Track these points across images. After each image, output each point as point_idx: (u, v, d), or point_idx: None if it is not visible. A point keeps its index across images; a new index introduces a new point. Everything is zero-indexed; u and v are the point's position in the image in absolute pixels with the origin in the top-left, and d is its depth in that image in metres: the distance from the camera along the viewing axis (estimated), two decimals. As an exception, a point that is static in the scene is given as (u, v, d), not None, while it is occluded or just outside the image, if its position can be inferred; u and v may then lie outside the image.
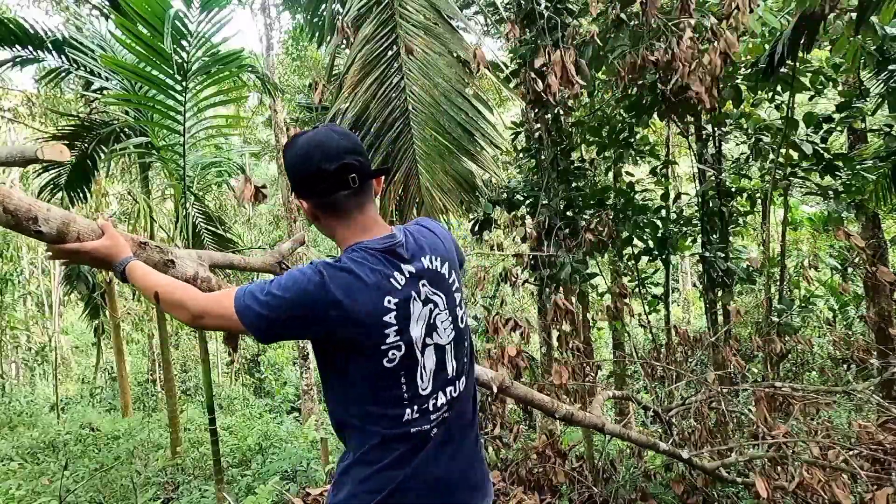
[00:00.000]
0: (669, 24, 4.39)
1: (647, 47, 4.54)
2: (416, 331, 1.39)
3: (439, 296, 1.45)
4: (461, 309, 1.51)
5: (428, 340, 1.41)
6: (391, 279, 1.37)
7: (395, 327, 1.36)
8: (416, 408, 1.40)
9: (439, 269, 1.46)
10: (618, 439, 5.02)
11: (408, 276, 1.40)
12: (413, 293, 1.39)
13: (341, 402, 1.44)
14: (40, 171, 6.83)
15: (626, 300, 4.36)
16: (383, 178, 1.57)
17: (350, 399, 1.42)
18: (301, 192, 1.45)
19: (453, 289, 1.49)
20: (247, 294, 1.37)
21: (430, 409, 1.42)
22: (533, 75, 4.77)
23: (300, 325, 1.35)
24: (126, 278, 1.55)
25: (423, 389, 1.41)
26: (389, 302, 1.36)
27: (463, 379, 1.51)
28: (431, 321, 1.42)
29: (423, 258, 1.44)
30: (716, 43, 4.12)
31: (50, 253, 1.54)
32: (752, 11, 3.94)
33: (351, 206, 1.43)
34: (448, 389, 1.46)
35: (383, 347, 1.35)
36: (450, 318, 1.46)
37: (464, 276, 1.62)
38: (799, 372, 6.22)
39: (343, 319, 1.32)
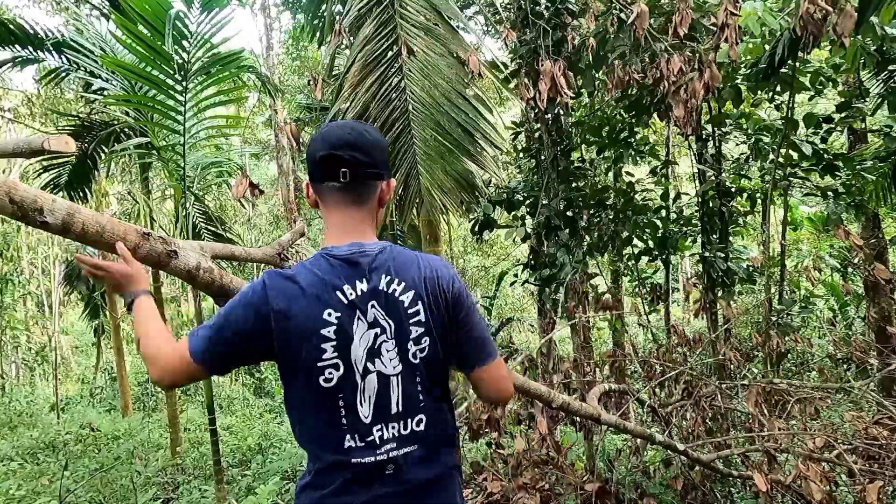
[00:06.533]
0: (662, 41, 4.41)
1: (635, 64, 4.58)
2: (357, 352, 1.31)
3: (388, 323, 1.34)
4: (418, 345, 1.36)
5: (370, 366, 1.32)
6: (338, 291, 1.31)
7: (333, 342, 1.29)
8: (356, 436, 1.32)
9: (398, 296, 1.34)
10: (616, 439, 5.04)
11: (359, 293, 1.32)
12: (359, 312, 1.31)
13: (293, 421, 1.40)
14: (40, 171, 6.84)
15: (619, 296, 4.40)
16: (393, 185, 1.47)
17: (297, 417, 1.38)
18: (309, 175, 1.43)
19: (411, 321, 1.35)
20: (198, 329, 1.35)
21: (376, 441, 1.33)
22: (526, 81, 4.81)
23: (246, 341, 1.31)
24: (131, 310, 1.56)
25: (364, 417, 1.33)
26: (330, 315, 1.29)
27: (421, 418, 1.38)
28: (375, 346, 1.33)
29: (382, 278, 1.34)
30: (701, 72, 4.16)
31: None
32: (739, 43, 3.98)
33: (335, 202, 1.38)
34: (393, 425, 1.35)
35: (320, 364, 1.29)
36: (396, 350, 1.34)
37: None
38: (799, 371, 6.23)
39: (281, 330, 1.28)
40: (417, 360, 1.36)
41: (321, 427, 1.34)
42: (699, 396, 3.68)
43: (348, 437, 1.32)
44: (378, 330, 1.33)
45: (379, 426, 1.34)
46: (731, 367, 4.16)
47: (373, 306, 1.33)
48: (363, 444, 1.33)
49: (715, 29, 4.03)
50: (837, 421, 3.67)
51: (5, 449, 7.98)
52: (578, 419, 3.66)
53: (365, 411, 1.33)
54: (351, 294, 1.32)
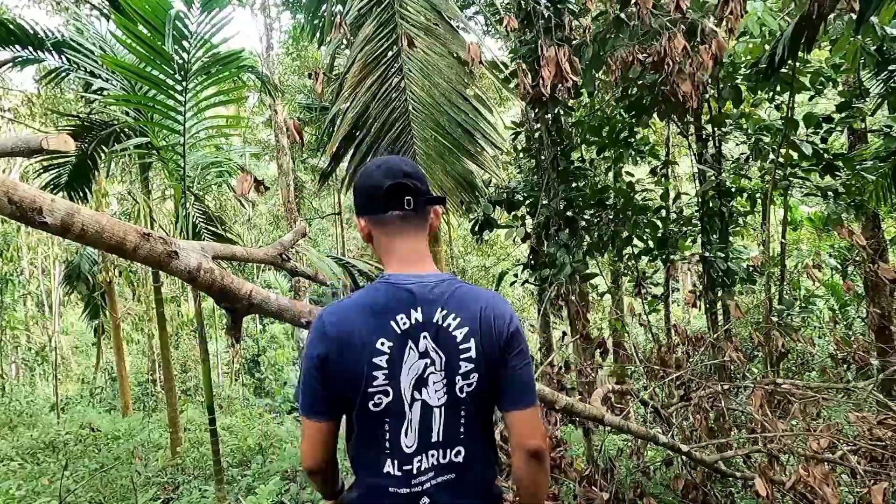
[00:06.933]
0: (665, 21, 4.41)
1: (640, 44, 4.58)
2: (405, 381, 1.35)
3: (439, 355, 1.37)
4: (466, 380, 1.38)
5: (416, 395, 1.36)
6: (392, 321, 1.34)
7: (385, 370, 1.33)
8: (396, 462, 1.36)
9: (451, 330, 1.37)
10: (616, 438, 5.03)
11: (413, 322, 1.35)
12: (410, 341, 1.35)
13: (346, 438, 1.46)
14: (40, 171, 6.83)
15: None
16: (441, 210, 1.52)
17: (348, 438, 1.44)
18: (360, 209, 1.45)
19: (461, 356, 1.37)
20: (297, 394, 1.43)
21: (414, 471, 1.37)
22: (524, 67, 4.80)
23: (325, 377, 1.36)
24: None
25: (406, 447, 1.36)
26: (383, 345, 1.33)
27: (459, 450, 1.40)
28: (423, 376, 1.36)
29: (438, 310, 1.37)
30: (706, 45, 4.16)
31: None
32: (743, 15, 3.97)
33: (398, 230, 1.41)
34: (433, 453, 1.38)
35: (371, 390, 1.33)
36: (444, 382, 1.37)
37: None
38: (799, 371, 6.23)
39: (337, 357, 1.33)
40: (464, 395, 1.38)
41: (365, 449, 1.39)
42: (701, 397, 3.67)
43: (388, 461, 1.37)
44: (428, 361, 1.36)
45: (420, 456, 1.37)
46: (732, 367, 4.16)
47: (424, 337, 1.36)
48: (400, 472, 1.36)
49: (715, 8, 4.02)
50: (840, 421, 3.66)
51: (5, 449, 7.98)
52: (579, 419, 3.66)
53: (409, 441, 1.37)
54: (405, 324, 1.35)
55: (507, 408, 1.42)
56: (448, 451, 1.39)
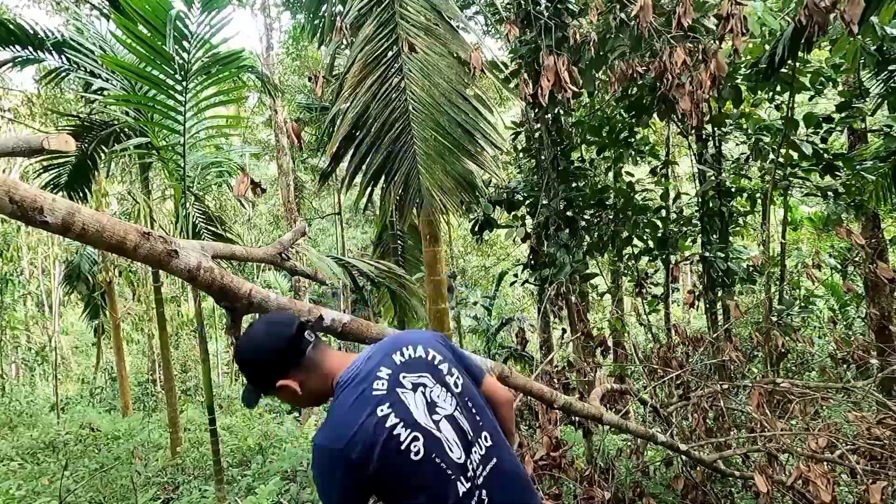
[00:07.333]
0: (665, 34, 4.40)
1: (640, 57, 4.58)
2: (421, 415, 1.48)
3: (425, 376, 1.54)
4: (452, 377, 1.58)
5: (435, 417, 1.49)
6: (373, 392, 1.48)
7: (401, 423, 1.45)
8: (462, 478, 1.47)
9: (413, 355, 1.56)
10: (616, 438, 5.03)
11: (387, 377, 1.50)
12: (398, 389, 1.49)
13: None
14: (40, 171, 6.84)
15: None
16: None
17: (408, 500, 1.48)
18: (280, 372, 1.54)
19: (436, 362, 1.57)
20: None
21: (472, 474, 1.49)
22: (526, 77, 4.80)
23: (359, 494, 1.46)
24: None
25: (457, 459, 1.48)
26: (382, 410, 1.45)
27: (484, 434, 1.57)
28: (429, 400, 1.51)
29: (392, 356, 1.55)
30: (707, 63, 4.15)
31: None
32: (745, 33, 3.97)
33: (321, 352, 1.57)
34: (474, 450, 1.52)
35: (403, 448, 1.43)
36: (444, 389, 1.54)
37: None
38: (798, 371, 6.24)
39: (364, 455, 1.41)
40: (460, 388, 1.57)
41: (436, 492, 1.45)
42: (700, 396, 3.67)
43: (459, 483, 1.47)
44: (422, 388, 1.52)
45: (468, 458, 1.50)
46: (732, 367, 4.16)
47: (403, 377, 1.52)
48: (469, 483, 1.48)
49: (717, 27, 4.02)
50: (839, 420, 3.66)
51: (5, 449, 7.99)
52: (578, 419, 3.66)
53: (457, 453, 1.49)
54: (383, 384, 1.50)
55: (480, 384, 1.69)
56: (480, 441, 1.54)
